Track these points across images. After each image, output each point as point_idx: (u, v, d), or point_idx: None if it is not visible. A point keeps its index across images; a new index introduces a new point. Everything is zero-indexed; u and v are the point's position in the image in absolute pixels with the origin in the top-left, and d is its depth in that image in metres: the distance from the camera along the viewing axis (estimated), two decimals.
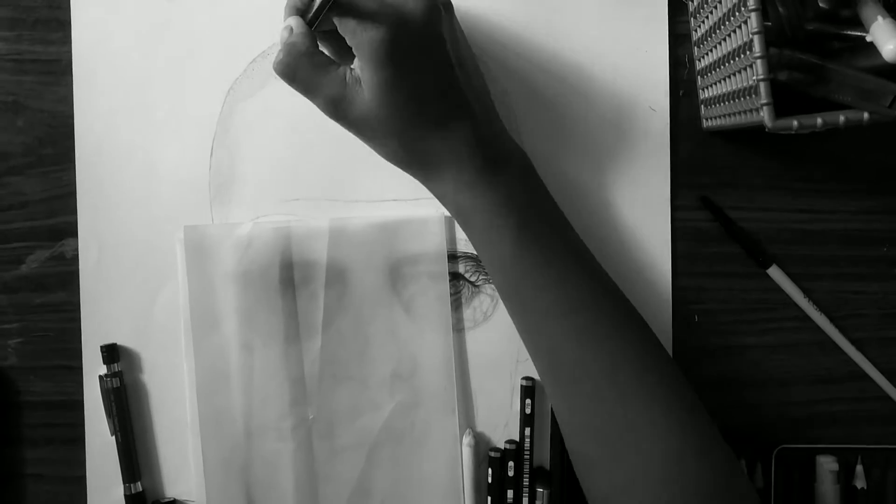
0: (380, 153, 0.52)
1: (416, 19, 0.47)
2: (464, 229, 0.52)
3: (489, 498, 0.59)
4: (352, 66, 0.49)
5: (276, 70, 0.49)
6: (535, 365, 0.52)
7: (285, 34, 0.49)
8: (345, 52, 0.51)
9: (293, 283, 0.59)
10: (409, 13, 0.47)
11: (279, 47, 0.49)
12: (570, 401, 0.49)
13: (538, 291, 0.50)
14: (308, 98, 0.50)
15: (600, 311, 0.49)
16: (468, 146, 0.50)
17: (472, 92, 0.51)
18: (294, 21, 0.49)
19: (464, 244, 0.59)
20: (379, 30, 0.46)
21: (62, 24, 0.59)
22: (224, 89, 0.59)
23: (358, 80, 0.48)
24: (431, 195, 0.59)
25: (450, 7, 0.52)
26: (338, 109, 0.49)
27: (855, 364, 0.60)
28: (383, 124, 0.49)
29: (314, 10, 0.49)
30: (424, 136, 0.49)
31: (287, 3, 0.50)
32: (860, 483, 0.59)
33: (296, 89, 0.49)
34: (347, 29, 0.47)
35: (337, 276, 0.59)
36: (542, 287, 0.49)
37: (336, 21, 0.48)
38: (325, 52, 0.51)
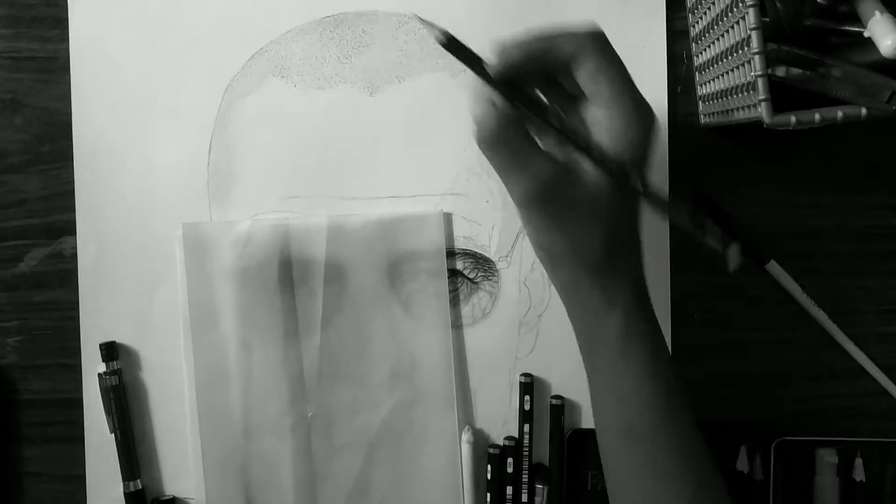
0: (549, 243, 0.47)
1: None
2: (615, 352, 0.48)
3: (488, 494, 0.59)
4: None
5: (483, 135, 0.44)
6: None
7: (488, 106, 0.44)
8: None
9: (292, 280, 0.59)
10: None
11: (481, 116, 0.44)
12: None
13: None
14: (505, 173, 0.45)
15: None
16: (633, 277, 0.48)
17: None
18: (499, 99, 0.44)
19: (462, 241, 0.59)
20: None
21: (59, 22, 0.59)
22: (222, 87, 0.59)
23: (577, 168, 0.44)
24: (429, 192, 0.59)
25: None
26: (542, 190, 0.44)
27: (853, 359, 0.60)
28: (587, 217, 0.45)
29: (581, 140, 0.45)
30: (612, 249, 0.46)
31: (519, 46, 0.45)
32: (859, 476, 0.59)
33: (494, 161, 0.45)
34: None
35: (335, 273, 0.59)
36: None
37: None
38: None
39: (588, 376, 0.50)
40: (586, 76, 0.44)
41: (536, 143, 0.45)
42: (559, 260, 0.47)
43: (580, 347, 0.50)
